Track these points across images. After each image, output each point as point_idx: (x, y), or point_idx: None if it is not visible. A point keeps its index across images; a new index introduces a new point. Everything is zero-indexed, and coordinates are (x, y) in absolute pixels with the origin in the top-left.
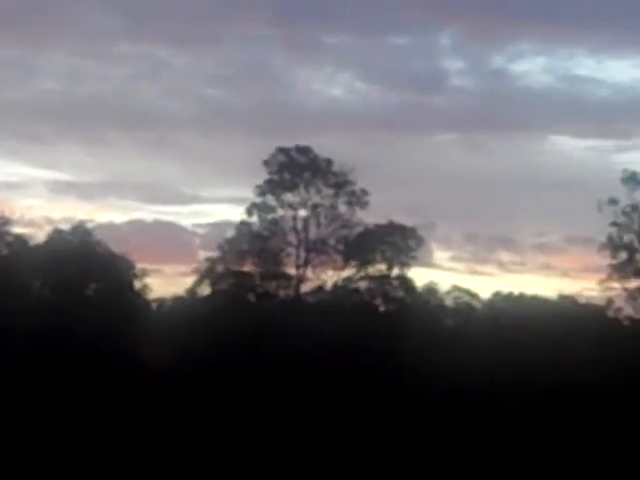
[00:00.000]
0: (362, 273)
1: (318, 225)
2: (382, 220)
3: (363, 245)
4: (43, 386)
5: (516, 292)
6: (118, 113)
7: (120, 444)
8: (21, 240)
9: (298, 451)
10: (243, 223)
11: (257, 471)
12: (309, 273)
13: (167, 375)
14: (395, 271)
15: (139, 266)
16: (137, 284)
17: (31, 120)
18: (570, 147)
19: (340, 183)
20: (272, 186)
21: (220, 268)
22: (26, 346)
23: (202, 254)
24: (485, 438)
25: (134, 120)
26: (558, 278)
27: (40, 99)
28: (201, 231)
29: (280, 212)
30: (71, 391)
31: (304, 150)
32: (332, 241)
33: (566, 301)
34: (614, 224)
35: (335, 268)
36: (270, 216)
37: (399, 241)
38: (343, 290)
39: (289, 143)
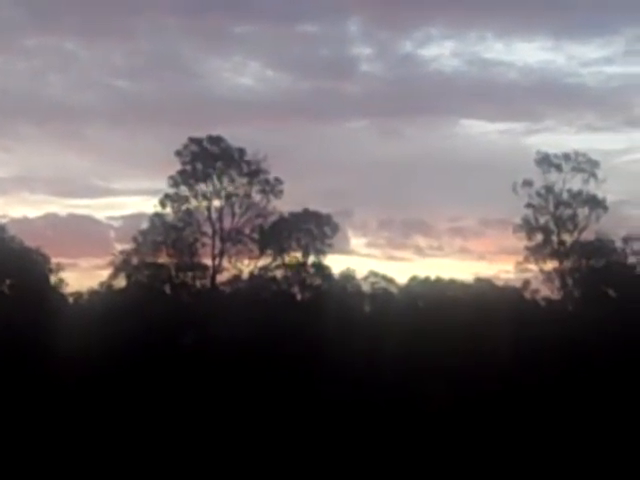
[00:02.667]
0: (278, 262)
1: (233, 215)
2: (297, 208)
3: (278, 233)
4: None
5: (433, 276)
6: (28, 107)
7: (39, 441)
8: None
9: (214, 440)
10: (157, 214)
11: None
12: (225, 263)
13: (85, 368)
14: (311, 259)
15: (54, 260)
16: (53, 278)
17: None
18: (481, 130)
19: (253, 172)
20: (185, 177)
21: (135, 260)
22: None
23: (117, 247)
24: (404, 423)
25: (44, 113)
26: (475, 261)
27: None
28: (115, 224)
29: (194, 202)
30: None
31: (216, 140)
32: (247, 230)
33: (483, 284)
34: (529, 206)
35: (251, 257)
36: (184, 207)
37: (314, 228)
38: (260, 279)
39: (201, 133)
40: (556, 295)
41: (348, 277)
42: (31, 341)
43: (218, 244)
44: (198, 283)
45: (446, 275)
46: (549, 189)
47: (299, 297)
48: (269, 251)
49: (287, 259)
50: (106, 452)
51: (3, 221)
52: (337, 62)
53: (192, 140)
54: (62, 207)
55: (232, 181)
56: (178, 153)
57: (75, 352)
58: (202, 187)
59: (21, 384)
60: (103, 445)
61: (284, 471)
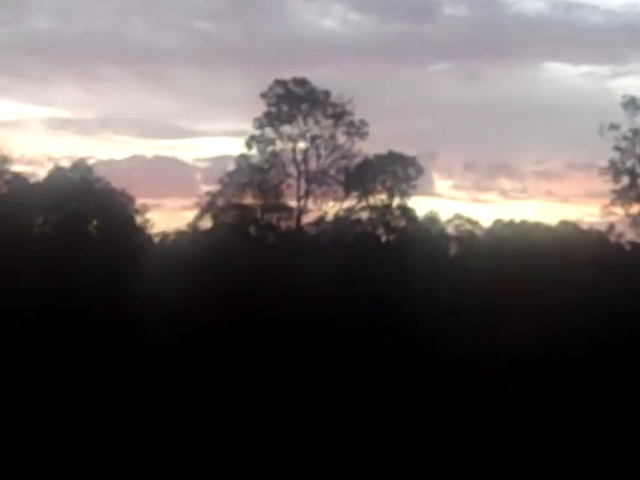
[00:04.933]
0: (363, 203)
1: (318, 156)
2: (382, 150)
3: (363, 175)
4: (49, 324)
5: (517, 219)
6: (112, 48)
7: (127, 383)
8: (21, 178)
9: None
10: (242, 156)
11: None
12: (310, 205)
13: (172, 309)
14: (396, 201)
15: (140, 201)
16: (138, 219)
17: (26, 57)
18: (565, 73)
19: (338, 114)
20: (270, 118)
21: (221, 202)
22: (29, 284)
23: (203, 188)
24: (489, 370)
25: (129, 55)
26: (559, 204)
27: (34, 36)
28: (201, 165)
29: (279, 144)
30: (77, 327)
31: (301, 82)
32: (332, 172)
33: (568, 227)
34: (616, 149)
35: (336, 199)
36: (269, 148)
37: (399, 170)
38: (345, 221)
39: (284, 75)
40: None
41: (432, 219)
42: (118, 280)
43: (303, 186)
44: (283, 225)
45: (530, 218)
46: (636, 132)
47: (384, 239)
48: (354, 193)
49: (372, 201)
50: (195, 398)
51: (89, 162)
52: (420, 5)
53: (277, 82)
54: (147, 148)
55: (317, 123)
56: (263, 95)
57: (162, 291)
58: (287, 129)
59: (106, 325)
60: (193, 390)
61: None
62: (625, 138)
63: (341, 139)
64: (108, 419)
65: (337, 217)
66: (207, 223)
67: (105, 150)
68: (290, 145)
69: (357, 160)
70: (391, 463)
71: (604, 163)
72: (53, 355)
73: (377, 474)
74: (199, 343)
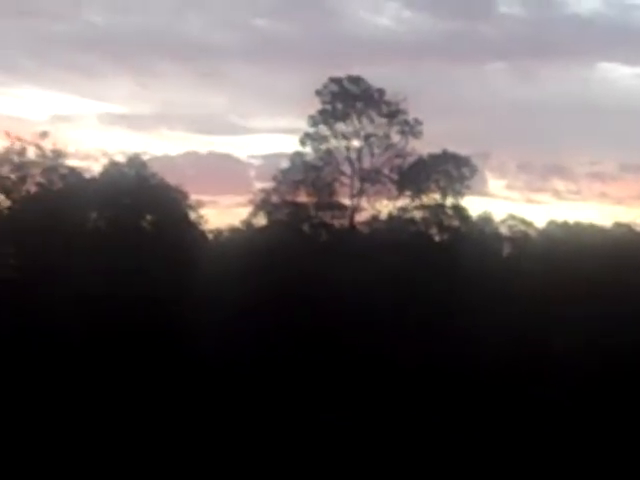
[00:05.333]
0: (416, 203)
1: (372, 155)
2: (435, 149)
3: (417, 174)
4: (101, 320)
5: (571, 220)
6: (167, 44)
7: (185, 380)
8: (75, 173)
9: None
10: (297, 153)
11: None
12: (363, 203)
13: (225, 306)
14: (449, 200)
15: (194, 197)
16: (192, 215)
17: (82, 52)
18: (619, 74)
19: (393, 112)
20: (325, 116)
21: (275, 199)
22: (82, 279)
23: (257, 185)
24: (543, 368)
25: (184, 51)
26: (613, 206)
27: (90, 31)
28: (255, 162)
29: (333, 142)
30: (130, 323)
31: (356, 80)
32: (386, 170)
33: (622, 229)
34: None
35: (389, 198)
36: (324, 146)
37: (453, 170)
38: (398, 220)
39: (339, 73)
40: None
41: (486, 219)
42: (172, 276)
43: (357, 184)
44: (336, 223)
45: (584, 219)
46: None
47: (437, 239)
48: (407, 192)
49: (425, 200)
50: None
51: (144, 158)
52: (475, 3)
53: (332, 80)
54: (201, 144)
55: (371, 121)
56: (318, 92)
57: (214, 289)
58: (342, 127)
59: (159, 322)
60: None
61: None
62: None
63: (395, 138)
64: (167, 420)
65: (390, 216)
66: (261, 220)
67: (159, 146)
68: (344, 143)
69: (411, 159)
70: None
71: None
72: (106, 352)
73: None
74: (253, 341)
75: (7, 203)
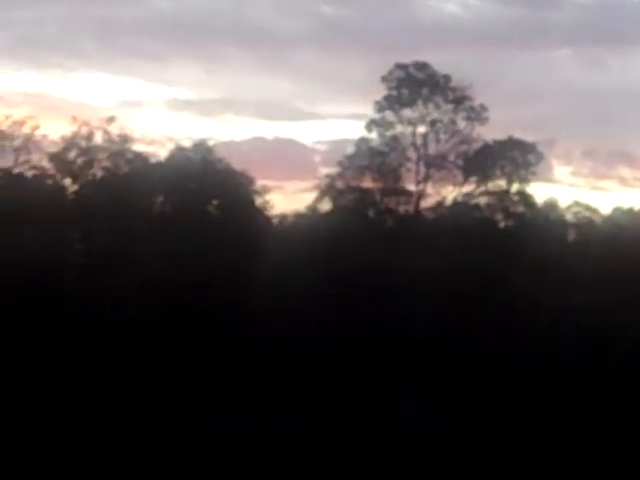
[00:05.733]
0: (482, 189)
1: (437, 141)
2: (501, 136)
3: (483, 161)
4: (167, 303)
5: (637, 207)
6: (234, 29)
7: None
8: (142, 158)
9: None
10: (362, 139)
11: None
12: (429, 189)
13: (290, 291)
14: (515, 187)
15: (260, 183)
16: (258, 200)
17: (149, 38)
18: None
19: (459, 99)
20: (391, 102)
21: (340, 184)
22: (148, 263)
23: (322, 170)
24: (609, 354)
25: (250, 36)
26: None
27: (157, 16)
28: (321, 147)
29: (399, 128)
30: (196, 310)
31: (422, 66)
32: (452, 157)
33: None
34: None
35: (455, 184)
36: (389, 132)
37: (518, 156)
38: (463, 206)
39: (405, 59)
40: None
41: (551, 206)
42: (238, 261)
43: (422, 170)
44: (402, 209)
45: None
46: None
47: (502, 225)
48: (473, 178)
49: (490, 186)
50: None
51: (209, 143)
52: None
53: (398, 66)
54: (267, 130)
55: (437, 107)
56: (384, 78)
57: (280, 273)
58: (407, 113)
59: (225, 305)
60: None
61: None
62: None
63: (461, 124)
64: (233, 406)
65: (455, 202)
66: (326, 206)
67: (225, 131)
68: (410, 129)
69: (476, 145)
70: None
71: None
72: (170, 338)
73: None
74: (318, 327)
75: (74, 187)
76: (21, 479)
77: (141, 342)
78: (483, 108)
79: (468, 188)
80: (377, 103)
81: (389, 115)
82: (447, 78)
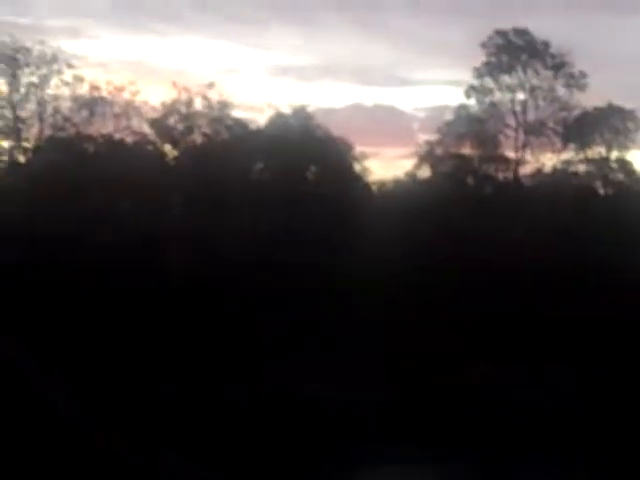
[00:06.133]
0: (581, 156)
1: (536, 107)
2: (601, 103)
3: (582, 128)
4: (268, 262)
5: None
6: None
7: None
8: (241, 124)
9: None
10: (461, 106)
11: None
12: (528, 156)
13: (389, 258)
14: (614, 154)
15: (358, 149)
16: (357, 167)
17: (248, 3)
18: None
19: (558, 65)
20: (490, 68)
21: (439, 151)
22: (246, 229)
23: (421, 137)
24: None
25: (350, 2)
26: None
27: None
28: (419, 114)
29: (498, 95)
30: (295, 275)
31: (521, 32)
32: (550, 123)
33: None
34: None
35: (554, 151)
36: (488, 99)
37: (618, 124)
38: (562, 173)
39: (504, 25)
40: None
41: None
42: (335, 227)
43: (521, 137)
44: (500, 175)
45: None
46: None
47: (601, 192)
48: (572, 145)
49: (590, 154)
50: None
51: (309, 109)
52: None
53: (497, 32)
54: (366, 96)
55: (537, 74)
56: (483, 45)
57: (378, 240)
58: (506, 79)
59: (323, 270)
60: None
61: None
62: None
63: (560, 91)
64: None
65: (554, 169)
66: (425, 172)
67: (324, 97)
68: (509, 96)
69: (576, 112)
70: None
71: None
72: (272, 303)
73: None
74: (418, 294)
75: (174, 153)
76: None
77: (244, 308)
78: (582, 74)
79: (567, 155)
80: (476, 70)
81: (488, 82)
82: (546, 44)
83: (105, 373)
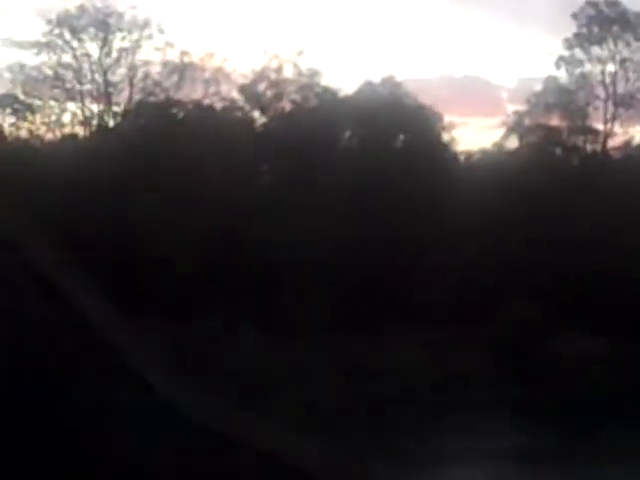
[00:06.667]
0: None
1: (627, 80)
2: None
3: None
4: (349, 233)
5: None
6: None
7: None
8: (330, 92)
9: None
10: (551, 77)
11: None
12: (617, 128)
13: (478, 227)
14: None
15: (447, 119)
16: (445, 136)
17: None
18: None
19: None
20: (580, 40)
21: (527, 122)
22: (334, 196)
23: (509, 108)
24: None
25: None
26: None
27: None
28: (508, 85)
29: (588, 66)
30: (380, 241)
31: (613, 4)
32: None
33: None
34: None
35: None
36: (578, 70)
37: None
38: None
39: None
40: None
41: None
42: (423, 196)
43: (610, 109)
44: (589, 147)
45: None
46: None
47: None
48: None
49: None
50: None
51: (398, 78)
52: None
53: (589, 3)
54: (454, 66)
55: (628, 45)
56: (574, 16)
57: (466, 211)
58: (597, 51)
59: (412, 236)
60: None
61: None
62: None
63: None
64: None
65: None
66: (513, 143)
67: (414, 68)
68: (599, 67)
69: None
70: None
71: None
72: (359, 268)
73: None
74: (501, 265)
75: (262, 120)
76: None
77: (328, 275)
78: None
79: None
80: (566, 41)
81: (578, 53)
82: (638, 16)
83: None
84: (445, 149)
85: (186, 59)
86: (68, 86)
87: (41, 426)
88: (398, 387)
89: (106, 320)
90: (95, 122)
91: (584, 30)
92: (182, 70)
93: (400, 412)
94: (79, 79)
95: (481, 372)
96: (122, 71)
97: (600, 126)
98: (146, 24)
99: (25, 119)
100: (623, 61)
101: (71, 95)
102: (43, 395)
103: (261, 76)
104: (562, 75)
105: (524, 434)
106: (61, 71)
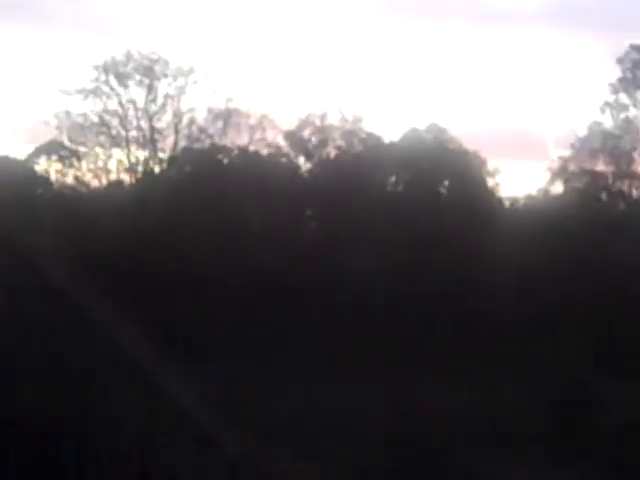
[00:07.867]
0: None
1: None
2: None
3: None
4: (399, 278)
5: None
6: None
7: None
8: (374, 137)
9: None
10: (595, 122)
11: None
12: None
13: (522, 272)
14: None
15: (491, 164)
16: (490, 182)
17: None
18: None
19: None
20: (625, 84)
21: (572, 167)
22: (380, 242)
23: (554, 153)
24: None
25: (481, 14)
26: None
27: None
28: (553, 130)
29: (633, 110)
30: (427, 286)
31: None
32: None
33: None
34: None
35: None
36: (623, 114)
37: None
38: None
39: (631, 39)
40: None
41: None
42: (469, 242)
43: None
44: (635, 192)
45: None
46: None
47: None
48: None
49: None
50: None
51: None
52: None
53: (633, 47)
54: (498, 111)
55: None
56: (619, 60)
57: (509, 255)
58: None
59: (455, 285)
60: None
61: None
62: None
63: None
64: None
65: None
66: (558, 188)
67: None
68: None
69: None
70: None
71: None
72: (405, 312)
73: None
74: (545, 306)
75: (307, 166)
76: None
77: (374, 318)
78: None
79: None
80: (611, 85)
81: (623, 97)
82: None
83: None
84: (489, 194)
85: (231, 105)
86: (114, 132)
87: None
88: None
89: None
90: (141, 169)
91: (629, 74)
92: (227, 116)
93: None
94: (125, 125)
95: None
96: (167, 117)
97: None
98: (191, 70)
99: (71, 166)
100: None
101: (117, 142)
102: None
103: (306, 122)
104: (607, 120)
105: None
106: (107, 117)
